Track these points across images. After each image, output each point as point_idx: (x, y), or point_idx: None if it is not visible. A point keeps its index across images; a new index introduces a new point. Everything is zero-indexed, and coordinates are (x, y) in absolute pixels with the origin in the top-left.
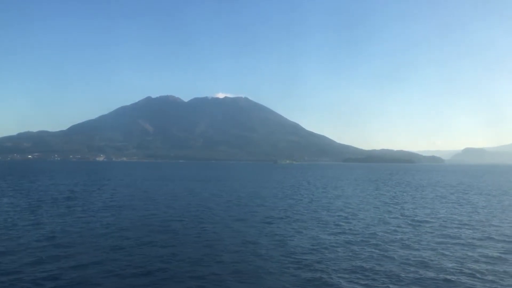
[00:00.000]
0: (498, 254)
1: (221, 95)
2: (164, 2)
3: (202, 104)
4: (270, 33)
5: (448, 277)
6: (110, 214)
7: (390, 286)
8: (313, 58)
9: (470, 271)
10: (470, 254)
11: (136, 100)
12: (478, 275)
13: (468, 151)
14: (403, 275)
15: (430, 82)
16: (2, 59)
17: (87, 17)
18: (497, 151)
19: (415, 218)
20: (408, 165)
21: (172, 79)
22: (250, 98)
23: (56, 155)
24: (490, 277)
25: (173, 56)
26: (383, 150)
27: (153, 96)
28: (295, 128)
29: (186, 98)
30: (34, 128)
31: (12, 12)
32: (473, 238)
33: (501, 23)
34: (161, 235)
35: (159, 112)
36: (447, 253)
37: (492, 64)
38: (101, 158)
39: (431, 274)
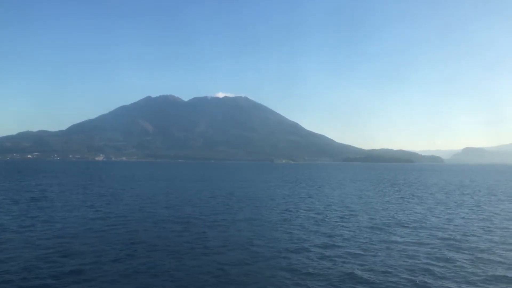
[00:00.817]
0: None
1: (221, 95)
2: (164, 2)
3: (202, 104)
4: (270, 33)
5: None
6: (62, 217)
7: None
8: (313, 58)
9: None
10: (390, 260)
11: (136, 100)
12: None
13: (468, 150)
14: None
15: (430, 82)
16: (2, 59)
17: (87, 17)
18: (497, 151)
19: (376, 221)
20: (406, 165)
21: (172, 78)
22: (250, 97)
23: (55, 155)
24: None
25: (173, 56)
26: (382, 149)
27: (153, 95)
28: (295, 128)
29: (186, 98)
30: (34, 127)
31: (12, 12)
32: (415, 242)
33: (501, 23)
34: (91, 241)
35: (159, 112)
36: (376, 258)
37: (492, 64)
38: (100, 158)
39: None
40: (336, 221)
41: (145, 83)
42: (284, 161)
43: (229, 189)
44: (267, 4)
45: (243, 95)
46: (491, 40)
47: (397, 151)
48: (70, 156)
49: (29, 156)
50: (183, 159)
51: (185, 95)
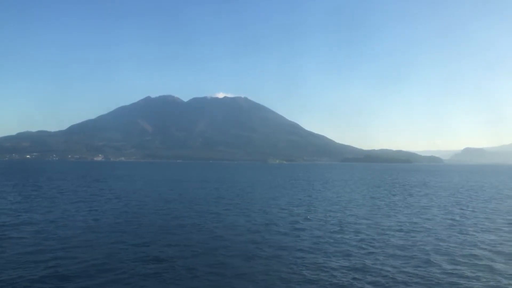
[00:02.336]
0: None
1: (220, 95)
2: (164, 2)
3: (201, 104)
4: (270, 33)
5: None
6: None
7: None
8: (313, 58)
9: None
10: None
11: (136, 100)
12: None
13: (468, 151)
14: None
15: (430, 82)
16: (2, 59)
17: (87, 17)
18: (497, 151)
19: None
20: (402, 165)
21: (172, 79)
22: (250, 98)
23: (54, 155)
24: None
25: (173, 56)
26: (382, 150)
27: (153, 96)
28: (295, 128)
29: (185, 98)
30: (33, 128)
31: (12, 12)
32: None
33: (501, 23)
34: None
35: (159, 112)
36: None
37: (492, 64)
38: (99, 158)
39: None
40: (272, 220)
41: (144, 83)
42: (278, 161)
43: (197, 189)
44: (267, 4)
45: (243, 95)
46: (491, 40)
47: (396, 151)
48: (69, 156)
49: (28, 156)
50: (182, 159)
51: (185, 95)
